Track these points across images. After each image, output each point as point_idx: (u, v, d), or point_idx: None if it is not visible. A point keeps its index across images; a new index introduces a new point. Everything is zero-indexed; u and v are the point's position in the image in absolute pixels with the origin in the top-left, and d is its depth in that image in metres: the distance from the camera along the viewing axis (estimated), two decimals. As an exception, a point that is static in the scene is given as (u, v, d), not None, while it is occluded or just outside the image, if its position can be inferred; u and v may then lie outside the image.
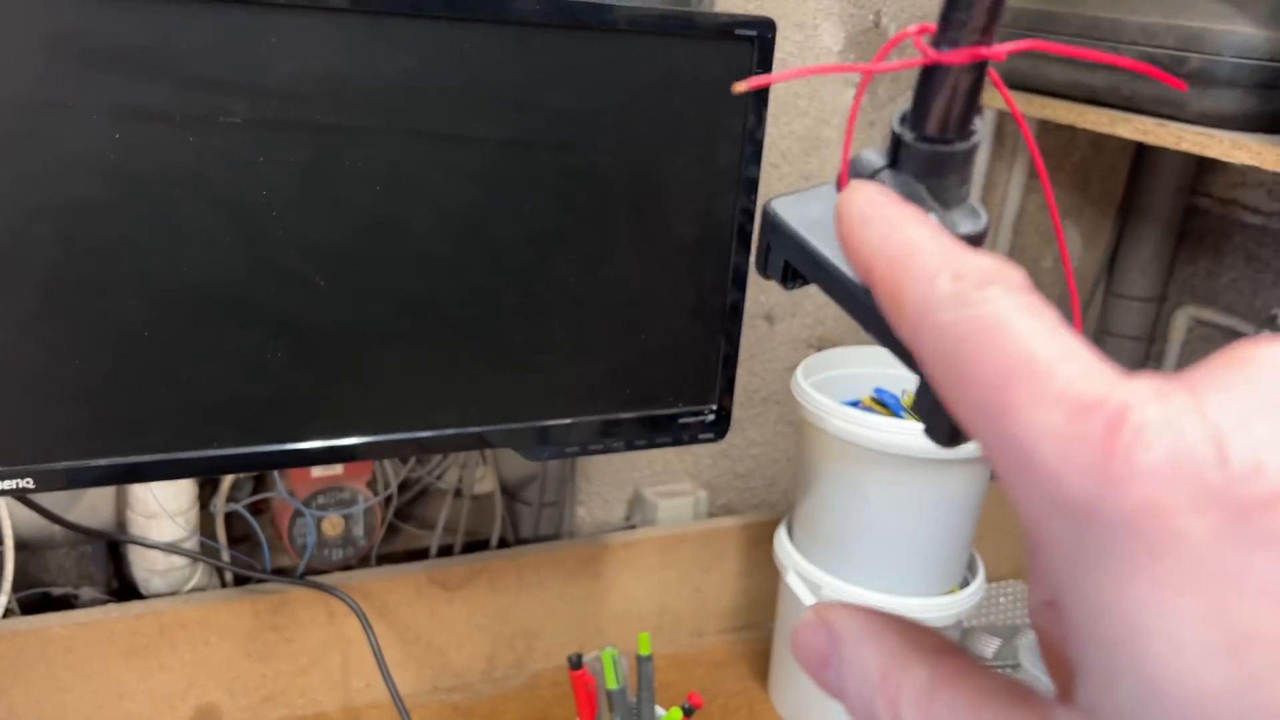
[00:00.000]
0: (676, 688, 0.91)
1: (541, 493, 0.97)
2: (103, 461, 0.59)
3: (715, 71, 0.66)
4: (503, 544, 0.98)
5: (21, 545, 0.78)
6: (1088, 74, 0.88)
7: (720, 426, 0.76)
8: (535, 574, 0.90)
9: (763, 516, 1.00)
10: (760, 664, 0.95)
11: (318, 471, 0.83)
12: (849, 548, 0.81)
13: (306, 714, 0.84)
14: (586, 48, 0.63)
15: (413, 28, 0.58)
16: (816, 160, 0.99)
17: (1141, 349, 1.20)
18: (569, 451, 0.70)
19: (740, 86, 0.25)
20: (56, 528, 0.78)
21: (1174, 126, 0.81)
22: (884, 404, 0.89)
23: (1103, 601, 0.15)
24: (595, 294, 0.68)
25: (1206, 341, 1.17)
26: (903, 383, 0.91)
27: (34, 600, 0.83)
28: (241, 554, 0.86)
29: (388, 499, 0.90)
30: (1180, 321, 1.18)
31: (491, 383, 0.67)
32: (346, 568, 0.87)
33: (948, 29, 0.21)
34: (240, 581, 0.85)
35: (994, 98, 1.00)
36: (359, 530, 0.87)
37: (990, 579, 1.08)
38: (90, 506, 0.81)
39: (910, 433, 0.75)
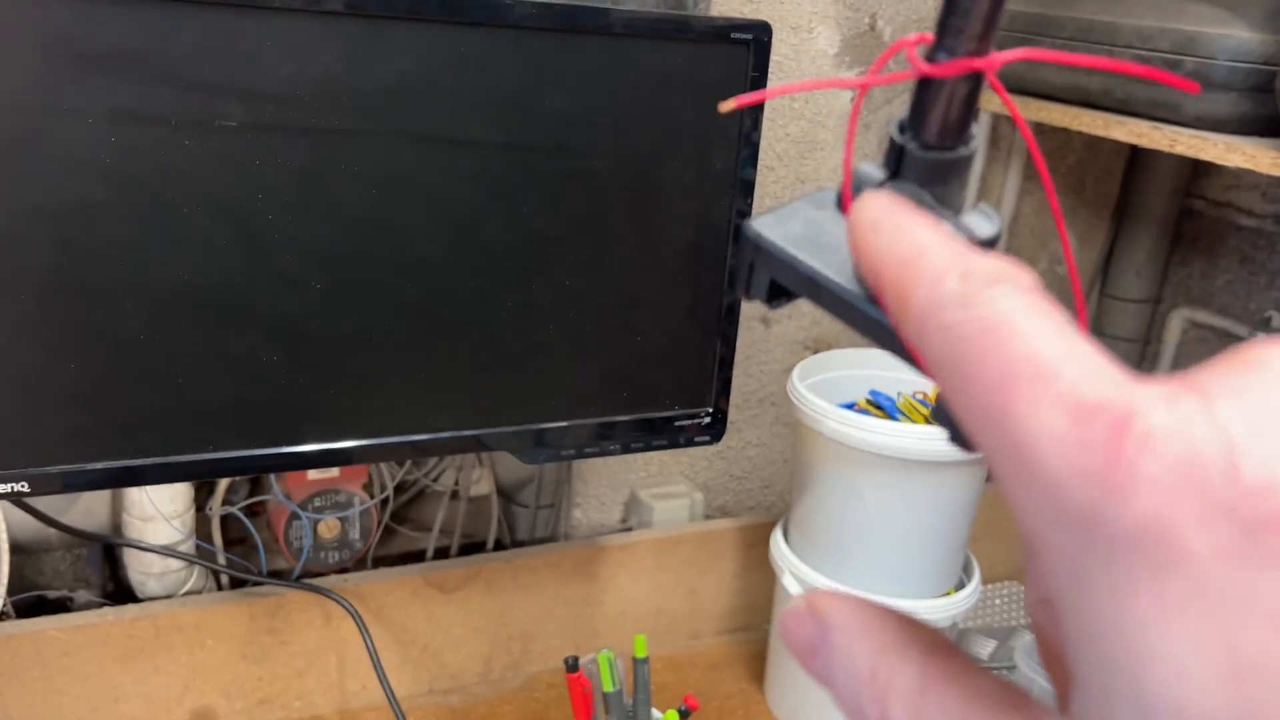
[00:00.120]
0: (672, 689, 0.91)
1: (538, 495, 0.97)
2: (98, 465, 0.59)
3: (711, 75, 0.66)
4: (499, 546, 0.98)
5: (17, 548, 0.78)
6: (1083, 77, 0.88)
7: (716, 429, 0.76)
8: (531, 576, 0.90)
9: (759, 518, 1.00)
10: (756, 666, 0.95)
11: (314, 474, 0.83)
12: (845, 550, 0.81)
13: (303, 716, 0.84)
14: (582, 51, 0.63)
15: (409, 31, 0.58)
16: (812, 163, 0.99)
17: (1136, 351, 1.20)
18: (565, 454, 0.71)
19: (727, 105, 0.25)
20: (52, 531, 0.78)
21: (1169, 130, 0.81)
22: (879, 406, 0.89)
23: (1102, 618, 0.15)
24: (591, 297, 0.68)
25: (1201, 344, 1.18)
26: (899, 385, 0.91)
27: (29, 603, 0.83)
28: (237, 557, 0.86)
29: (384, 501, 0.90)
30: (1175, 323, 1.18)
31: (488, 385, 0.67)
32: (343, 570, 0.87)
33: (944, 37, 0.21)
34: (236, 584, 0.85)
35: (990, 100, 1.00)
36: (355, 533, 0.87)
37: (986, 581, 1.08)
38: (86, 509, 0.80)
39: (906, 435, 0.75)
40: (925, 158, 0.23)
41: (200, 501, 0.84)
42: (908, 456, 0.75)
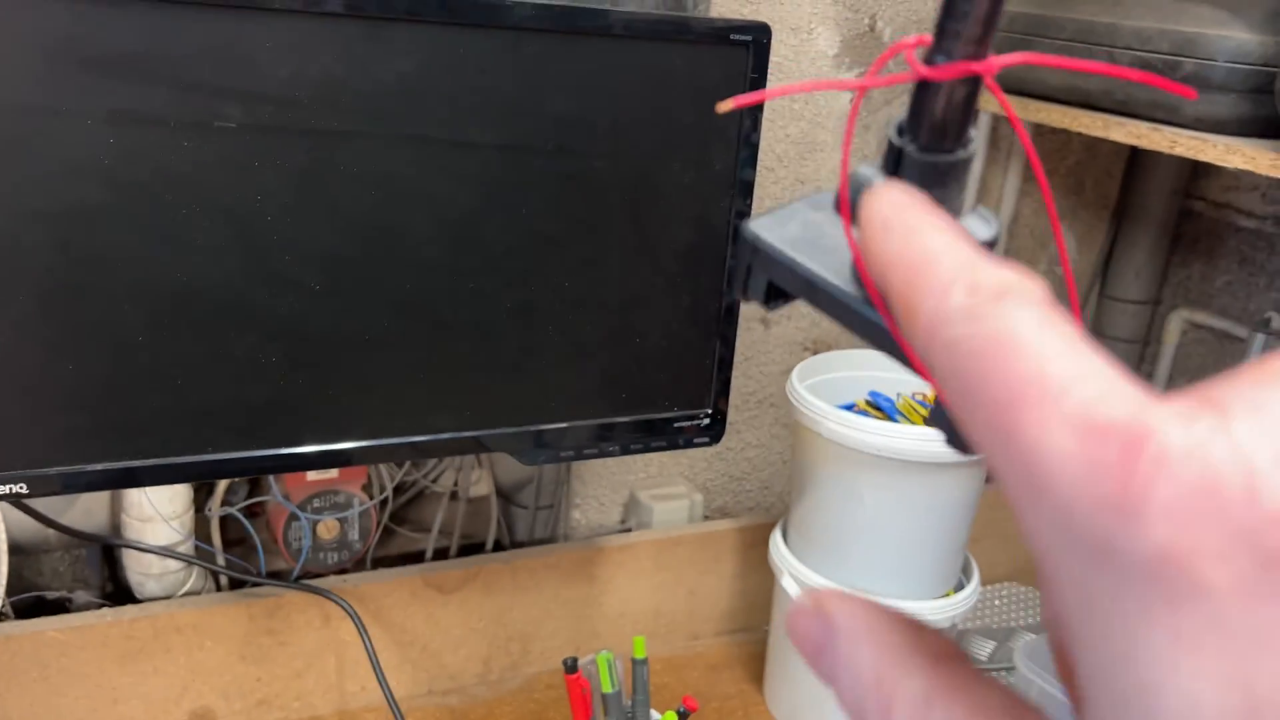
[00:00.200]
0: (671, 690, 0.91)
1: (537, 496, 0.97)
2: (97, 466, 0.59)
3: (711, 76, 0.66)
4: (498, 547, 0.98)
5: (16, 549, 0.78)
6: (1083, 78, 0.88)
7: (715, 430, 0.76)
8: (530, 577, 0.90)
9: (758, 519, 1.00)
10: (756, 667, 0.95)
11: (313, 475, 0.83)
12: (844, 551, 0.81)
13: (301, 717, 0.84)
14: (582, 53, 0.63)
15: (408, 33, 0.58)
16: (812, 164, 0.99)
17: (1135, 352, 1.20)
18: (564, 455, 0.71)
19: (725, 106, 0.25)
20: (51, 531, 0.78)
21: (1168, 131, 0.81)
22: (879, 407, 0.89)
23: (1115, 649, 0.14)
24: (590, 298, 0.68)
25: (1200, 345, 1.18)
26: (898, 386, 0.91)
27: (28, 604, 0.83)
28: (236, 558, 0.86)
29: (383, 502, 0.90)
30: (1174, 325, 1.18)
31: (487, 387, 0.67)
32: (342, 571, 0.87)
33: (943, 40, 0.21)
34: (235, 585, 0.85)
35: (989, 102, 1.01)
36: (354, 533, 0.87)
37: (985, 582, 1.08)
38: (85, 510, 0.80)
39: (905, 436, 0.75)
40: (924, 160, 0.23)
41: (199, 502, 0.84)
42: (907, 458, 0.75)
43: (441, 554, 0.96)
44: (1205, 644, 0.13)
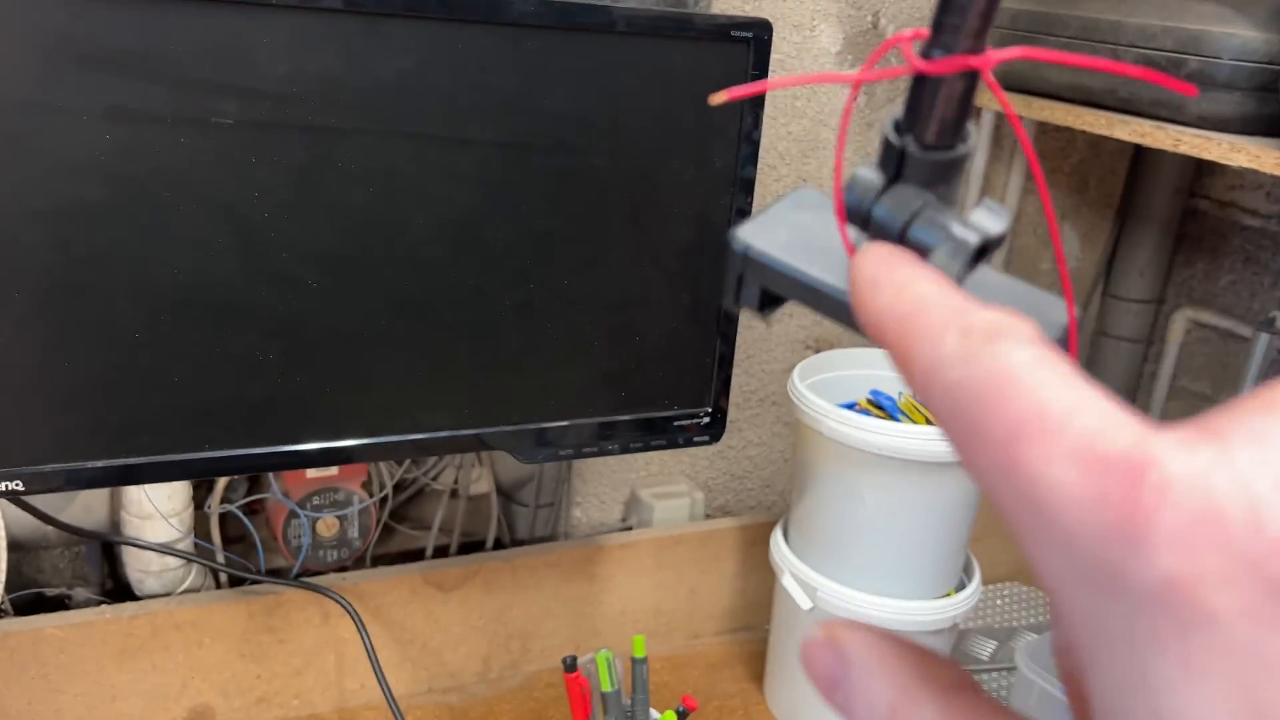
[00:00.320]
0: (672, 689, 0.91)
1: (537, 494, 0.97)
2: (96, 464, 0.58)
3: (712, 73, 0.66)
4: (498, 545, 0.98)
5: (15, 545, 0.78)
6: (1086, 76, 0.88)
7: (716, 429, 0.76)
8: (531, 575, 0.90)
9: (759, 518, 1.00)
10: (756, 666, 0.95)
11: (313, 472, 0.83)
12: (845, 550, 0.81)
13: (301, 715, 0.84)
14: (582, 49, 0.63)
15: (407, 29, 0.58)
16: (814, 162, 0.99)
17: (1139, 351, 1.20)
18: (564, 454, 0.70)
19: (719, 98, 0.25)
20: (50, 528, 0.78)
21: (1172, 129, 0.81)
22: (880, 406, 0.88)
23: (1126, 678, 0.14)
24: (590, 296, 0.68)
25: (1204, 344, 1.17)
26: (900, 385, 0.90)
27: (28, 601, 0.83)
28: (236, 555, 0.86)
29: (383, 500, 0.90)
30: (1178, 324, 1.17)
31: (486, 385, 0.67)
32: (341, 569, 0.87)
33: (940, 34, 0.21)
34: (235, 582, 0.85)
35: (992, 100, 1.00)
36: (354, 531, 0.87)
37: (986, 581, 1.08)
38: (85, 507, 0.80)
39: (906, 435, 0.75)
40: (929, 159, 0.22)
41: (199, 499, 0.84)
42: (908, 457, 0.75)
43: (441, 552, 0.96)
44: (1215, 670, 0.13)
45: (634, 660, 0.75)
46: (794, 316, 1.05)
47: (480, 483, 0.95)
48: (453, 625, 0.88)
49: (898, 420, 0.85)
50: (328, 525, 0.85)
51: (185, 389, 0.59)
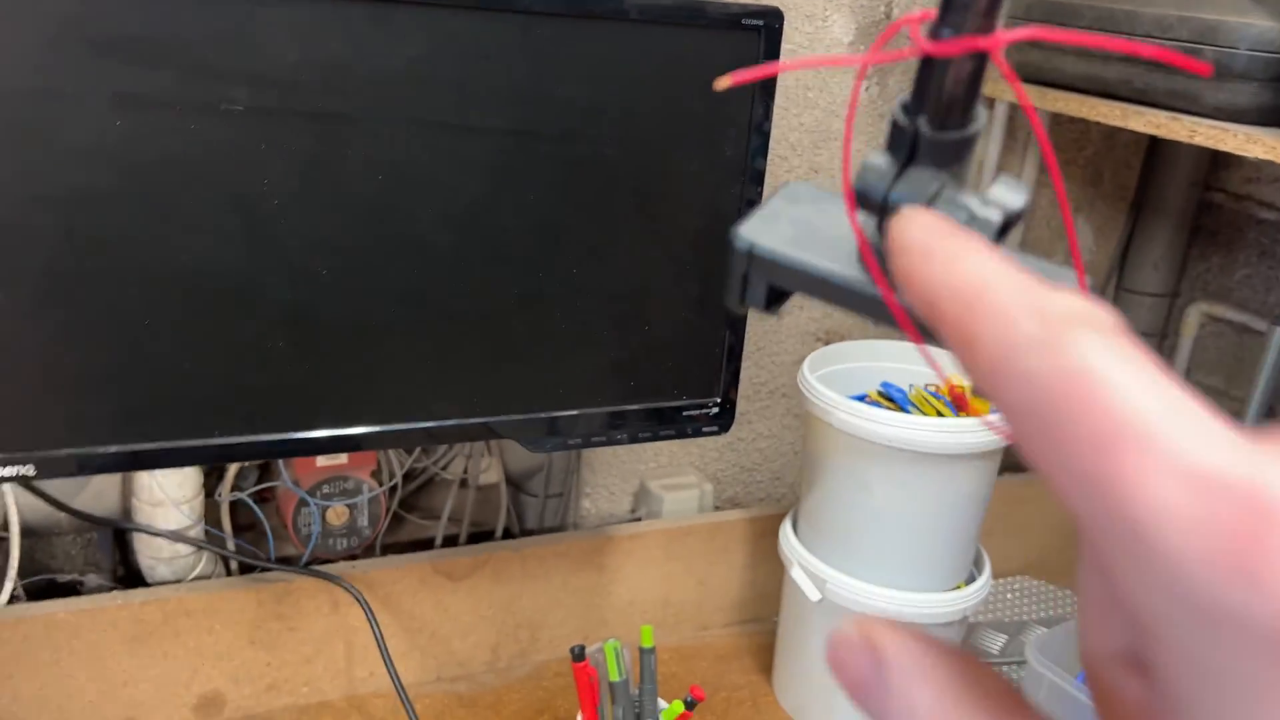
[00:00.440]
0: (680, 680, 0.91)
1: (546, 484, 0.97)
2: (108, 449, 0.59)
3: (722, 61, 0.66)
4: (508, 535, 0.98)
5: (28, 532, 0.79)
6: (1100, 66, 0.87)
7: (725, 419, 0.76)
8: (540, 565, 0.90)
9: (769, 510, 1.00)
10: (764, 657, 0.95)
11: (323, 461, 0.83)
12: (855, 542, 0.81)
13: (310, 703, 0.85)
14: (591, 37, 0.62)
15: (416, 16, 0.58)
16: (826, 152, 0.98)
17: (1153, 345, 1.19)
18: (572, 443, 0.70)
19: (723, 82, 0.24)
20: (63, 515, 0.78)
21: (1188, 120, 0.80)
22: (891, 399, 0.88)
23: (1232, 717, 0.13)
24: (600, 285, 0.68)
25: (1219, 338, 1.16)
26: (910, 378, 0.90)
27: (40, 587, 0.83)
28: (246, 543, 0.86)
29: (392, 489, 0.90)
30: (1192, 318, 1.17)
31: (495, 374, 0.67)
32: (351, 557, 0.87)
33: (949, 13, 0.21)
34: (245, 570, 0.85)
35: (1005, 90, 0.99)
36: (364, 520, 0.87)
37: (997, 575, 1.07)
38: (96, 494, 0.81)
39: (917, 427, 0.74)
40: (943, 139, 0.22)
41: (210, 487, 0.84)
42: (919, 449, 0.75)
43: (451, 541, 0.96)
44: None
45: (642, 650, 0.75)
46: (804, 309, 1.05)
47: (489, 472, 0.96)
48: (462, 614, 0.88)
49: (908, 413, 0.84)
50: (338, 514, 0.85)
51: (195, 375, 0.59)
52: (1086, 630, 0.18)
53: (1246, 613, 0.13)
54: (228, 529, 0.85)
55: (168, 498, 0.79)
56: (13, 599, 0.78)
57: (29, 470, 0.56)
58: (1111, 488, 0.14)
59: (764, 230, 0.24)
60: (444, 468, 0.94)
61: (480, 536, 0.97)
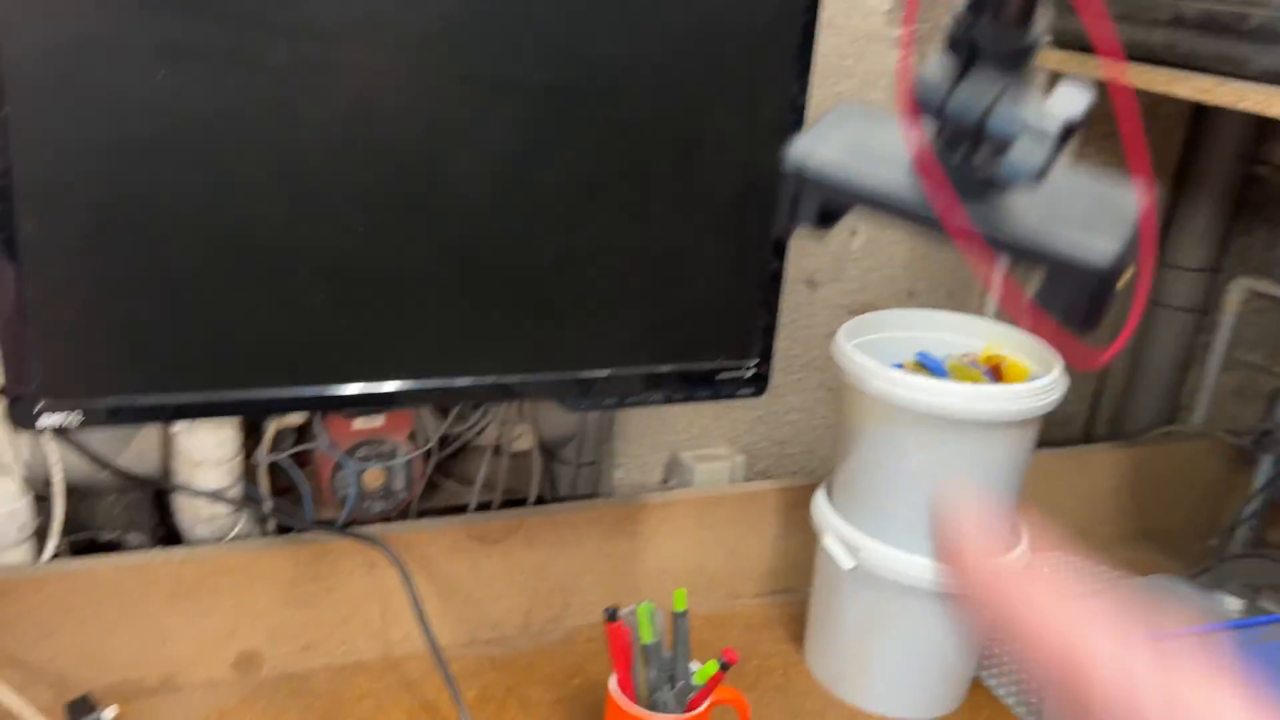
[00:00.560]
0: (711, 648, 0.91)
1: (579, 452, 0.97)
2: (149, 399, 0.60)
3: (762, 18, 0.65)
4: (540, 502, 0.98)
5: (71, 490, 0.80)
6: (1145, 32, 0.85)
7: (759, 383, 0.75)
8: (572, 531, 0.90)
9: (801, 481, 1.00)
10: (795, 628, 0.95)
11: (359, 424, 0.84)
12: (890, 511, 0.80)
13: (346, 663, 0.86)
14: (631, -8, 0.62)
15: (457, -32, 0.58)
16: (862, 121, 0.97)
17: (1194, 321, 1.17)
18: (607, 403, 0.70)
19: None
20: (105, 474, 0.80)
21: (1235, 85, 0.79)
22: (927, 368, 0.87)
23: None
24: (637, 245, 0.68)
25: (1261, 314, 1.14)
26: (947, 348, 0.89)
27: (83, 544, 0.85)
28: (284, 504, 0.87)
29: (427, 453, 0.90)
30: (1234, 293, 1.15)
31: (530, 332, 0.67)
32: (386, 520, 0.88)
33: None
34: (283, 531, 0.86)
35: (1058, 64, 0.98)
36: (399, 483, 0.88)
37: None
38: (138, 454, 0.82)
39: (953, 394, 0.74)
40: (1001, 46, 0.22)
41: (248, 450, 0.85)
42: (955, 416, 0.74)
43: (484, 508, 0.96)
44: None
45: (675, 614, 0.75)
46: (839, 281, 1.04)
47: (523, 440, 0.96)
48: (496, 578, 0.89)
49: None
50: (374, 476, 0.86)
51: (233, 328, 0.60)
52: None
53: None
54: (266, 490, 0.86)
55: (207, 458, 0.80)
56: (56, 555, 0.79)
57: (77, 418, 0.57)
58: None
59: (815, 148, 0.24)
60: (479, 434, 0.95)
61: (513, 504, 0.98)
